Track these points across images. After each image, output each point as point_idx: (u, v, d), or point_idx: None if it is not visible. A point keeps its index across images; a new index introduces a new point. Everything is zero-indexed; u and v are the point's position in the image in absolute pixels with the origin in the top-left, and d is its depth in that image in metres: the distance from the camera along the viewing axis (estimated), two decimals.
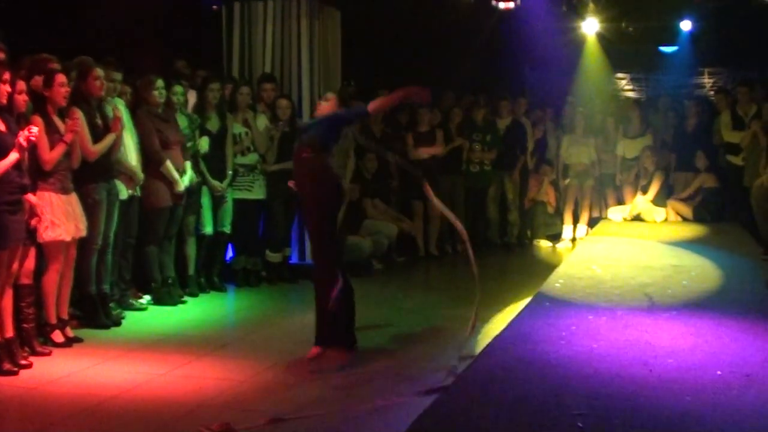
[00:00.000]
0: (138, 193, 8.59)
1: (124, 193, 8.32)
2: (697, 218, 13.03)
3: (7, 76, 6.45)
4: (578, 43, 15.61)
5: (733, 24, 14.54)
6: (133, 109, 8.68)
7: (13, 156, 6.38)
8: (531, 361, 6.06)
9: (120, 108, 8.31)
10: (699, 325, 7.11)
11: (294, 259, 10.70)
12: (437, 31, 14.30)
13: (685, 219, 13.18)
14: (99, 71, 7.83)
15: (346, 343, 6.97)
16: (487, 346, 6.61)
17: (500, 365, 6.00)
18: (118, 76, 8.48)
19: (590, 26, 15.07)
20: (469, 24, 14.48)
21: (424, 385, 6.05)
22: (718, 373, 5.80)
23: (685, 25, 15.24)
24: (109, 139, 7.87)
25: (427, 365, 6.90)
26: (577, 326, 6.99)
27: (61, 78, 7.22)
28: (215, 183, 9.51)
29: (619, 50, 15.86)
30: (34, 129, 6.52)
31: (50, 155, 7.09)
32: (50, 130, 7.10)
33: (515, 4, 14.22)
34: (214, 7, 11.53)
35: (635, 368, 5.90)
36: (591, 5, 14.64)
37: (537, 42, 14.57)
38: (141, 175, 8.53)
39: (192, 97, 9.58)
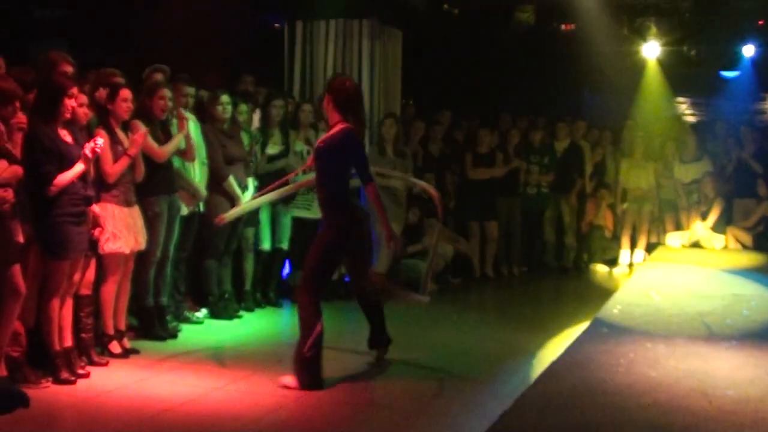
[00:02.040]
0: (201, 209, 8.66)
1: (184, 209, 8.39)
2: (758, 246, 12.85)
3: (74, 90, 6.54)
4: (639, 67, 15.52)
5: None
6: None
7: (79, 167, 6.46)
8: (588, 388, 6.00)
9: (191, 123, 8.38)
10: (759, 355, 7.01)
11: (350, 278, 10.71)
12: (497, 52, 14.30)
13: (745, 247, 13.01)
14: (167, 91, 7.93)
15: (316, 385, 6.68)
16: (544, 371, 6.56)
17: (557, 391, 5.95)
18: (191, 90, 8.58)
19: (651, 49, 14.97)
20: (528, 45, 14.47)
21: (482, 412, 6.04)
22: None
23: (748, 50, 15.09)
24: (178, 138, 7.96)
25: (475, 388, 6.88)
26: (635, 354, 6.92)
27: (125, 93, 7.29)
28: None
29: (679, 74, 15.73)
30: (100, 140, 6.59)
31: (114, 168, 7.17)
32: (113, 142, 7.18)
33: (576, 27, 14.19)
34: (276, 25, 11.62)
35: (694, 399, 5.82)
36: (653, 28, 14.55)
37: (597, 64, 14.50)
38: (204, 192, 8.60)
39: (256, 115, 9.65)
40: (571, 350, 7.14)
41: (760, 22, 14.57)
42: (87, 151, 6.47)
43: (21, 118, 6.26)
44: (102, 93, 7.30)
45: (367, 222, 7.11)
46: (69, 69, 7.05)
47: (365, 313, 7.49)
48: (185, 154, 8.24)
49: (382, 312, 7.48)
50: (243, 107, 9.18)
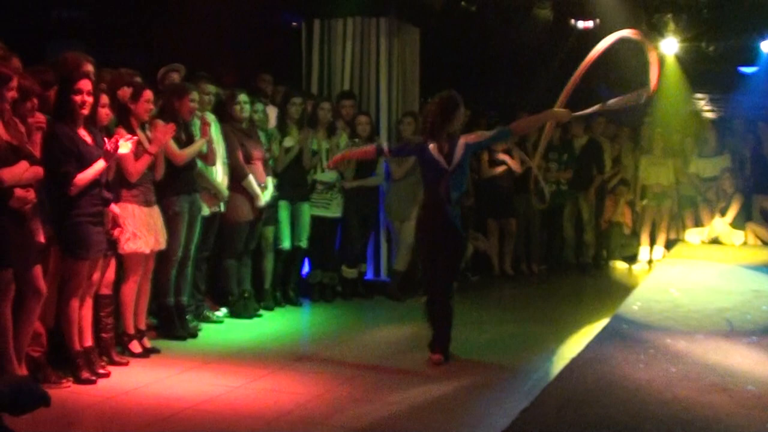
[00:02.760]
0: (221, 209, 8.67)
1: (206, 210, 8.40)
2: None
3: (83, 84, 6.50)
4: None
5: None
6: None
7: (100, 164, 6.48)
8: (609, 384, 6.00)
9: (211, 123, 8.40)
10: None
11: (369, 275, 10.73)
12: (515, 49, 14.27)
13: (764, 243, 12.98)
14: (195, 95, 8.02)
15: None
16: (565, 367, 6.56)
17: (578, 387, 5.95)
18: (212, 89, 8.60)
19: (669, 46, 14.91)
20: (547, 42, 14.43)
21: (502, 407, 6.04)
22: None
23: (766, 46, 15.01)
24: (199, 144, 7.99)
25: (496, 384, 6.88)
26: (655, 350, 6.92)
27: (148, 94, 7.34)
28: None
29: (698, 70, 15.67)
30: (129, 136, 6.65)
31: (136, 167, 7.19)
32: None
33: (594, 24, 14.15)
34: (294, 24, 11.62)
35: (714, 394, 5.82)
36: (671, 25, 14.49)
37: (614, 61, 14.45)
38: (226, 192, 8.61)
39: (272, 113, 9.65)
40: (592, 346, 7.14)
41: None
42: (123, 141, 6.52)
43: (39, 117, 6.27)
44: (125, 92, 7.31)
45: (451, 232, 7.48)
46: (89, 68, 7.06)
47: (432, 319, 7.57)
48: (206, 158, 8.27)
49: (447, 321, 7.52)
50: (259, 106, 9.19)
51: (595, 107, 8.23)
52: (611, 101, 8.18)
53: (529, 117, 8.48)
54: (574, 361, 6.66)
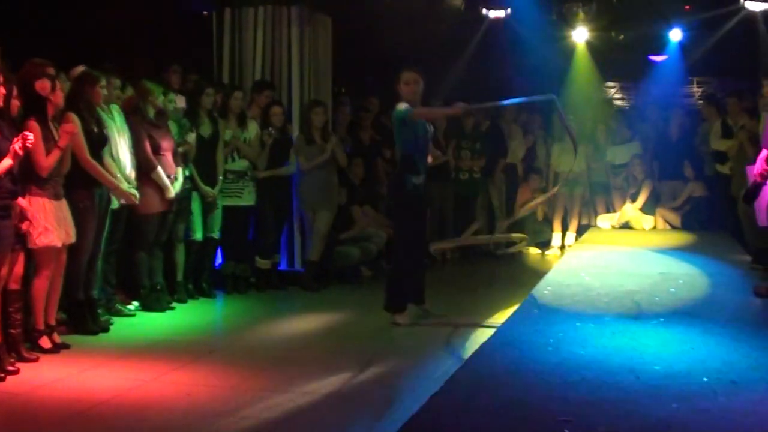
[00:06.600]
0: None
1: (115, 203, 8.31)
2: (686, 226, 13.08)
3: (1, 78, 6.42)
4: (568, 52, 15.64)
5: (723, 33, 14.60)
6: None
7: (7, 162, 6.37)
8: (518, 367, 6.05)
9: (115, 114, 8.31)
10: (686, 332, 7.11)
11: (283, 266, 10.70)
12: (427, 39, 14.31)
13: (673, 227, 13.25)
14: (104, 82, 7.99)
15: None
16: (475, 352, 6.61)
17: (488, 372, 6.00)
18: (117, 82, 8.50)
19: (580, 35, 15.10)
20: (458, 32, 14.51)
21: (414, 393, 6.08)
22: (705, 379, 5.80)
23: (675, 35, 15.27)
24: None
25: (409, 371, 6.93)
26: (564, 333, 6.99)
27: (59, 84, 7.24)
28: (207, 189, 9.51)
29: (608, 59, 15.90)
30: (30, 135, 6.50)
31: (47, 161, 7.06)
32: (47, 136, 7.07)
33: (505, 13, 14.26)
34: (205, 12, 11.52)
35: (622, 375, 5.90)
36: (581, 14, 14.66)
37: (526, 51, 14.58)
38: (134, 184, 8.48)
39: (180, 103, 9.55)
40: (502, 331, 7.19)
41: (687, 7, 14.75)
42: (17, 147, 6.38)
43: None
44: (45, 84, 7.14)
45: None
46: None
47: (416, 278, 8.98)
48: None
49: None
50: (171, 96, 9.12)
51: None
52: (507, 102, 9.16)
53: (432, 109, 9.99)
54: (484, 346, 6.70)
